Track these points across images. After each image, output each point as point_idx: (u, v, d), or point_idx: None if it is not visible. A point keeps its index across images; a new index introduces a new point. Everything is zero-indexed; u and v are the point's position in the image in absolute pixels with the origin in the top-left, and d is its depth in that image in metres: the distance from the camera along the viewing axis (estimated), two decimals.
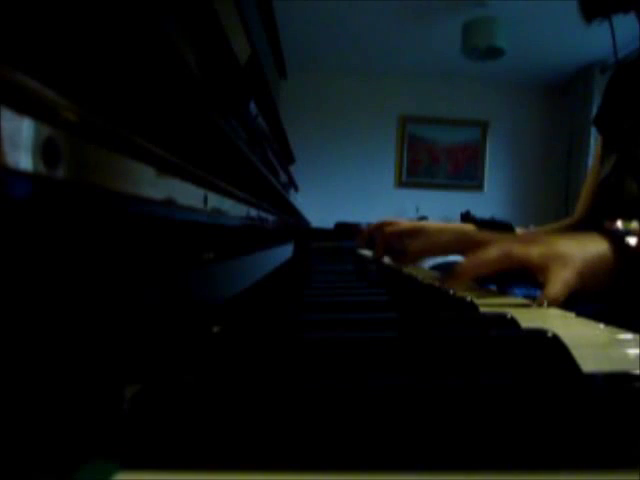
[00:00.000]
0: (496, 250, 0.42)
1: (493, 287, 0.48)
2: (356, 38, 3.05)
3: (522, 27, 2.73)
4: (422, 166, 3.75)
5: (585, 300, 0.42)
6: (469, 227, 0.77)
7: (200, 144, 0.30)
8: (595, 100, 3.27)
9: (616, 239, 0.42)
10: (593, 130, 3.33)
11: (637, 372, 0.16)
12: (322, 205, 3.45)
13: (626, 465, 0.12)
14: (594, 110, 3.29)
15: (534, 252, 0.42)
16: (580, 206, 0.82)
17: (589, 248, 0.42)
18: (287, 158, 1.12)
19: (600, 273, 0.42)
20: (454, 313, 0.32)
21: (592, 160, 0.82)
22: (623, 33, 0.73)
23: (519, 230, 0.78)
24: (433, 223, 0.78)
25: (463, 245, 0.48)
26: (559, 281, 0.40)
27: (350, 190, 3.68)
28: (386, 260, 0.85)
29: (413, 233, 0.74)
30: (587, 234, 0.45)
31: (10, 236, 0.12)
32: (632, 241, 0.41)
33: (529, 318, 0.33)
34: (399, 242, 0.77)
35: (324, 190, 3.59)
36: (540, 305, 0.39)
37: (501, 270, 0.43)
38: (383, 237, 0.79)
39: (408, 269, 0.69)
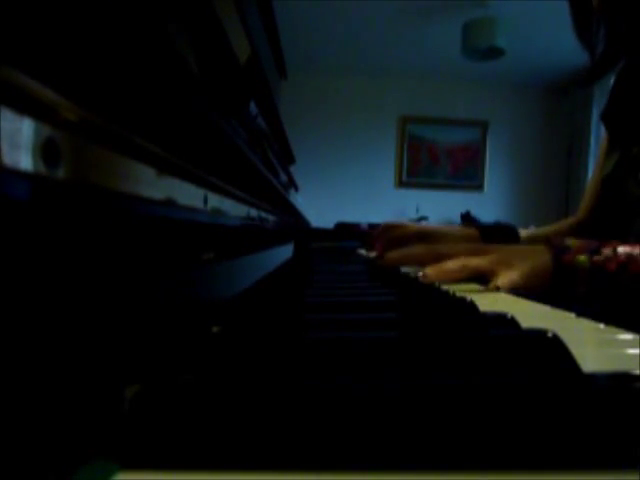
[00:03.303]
0: (455, 262, 0.53)
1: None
2: (356, 38, 3.05)
3: (522, 27, 2.73)
4: (422, 166, 3.76)
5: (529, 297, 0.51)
6: (472, 231, 0.80)
7: (200, 144, 0.30)
8: (595, 100, 3.27)
9: (555, 252, 0.52)
10: (593, 130, 3.33)
11: (637, 372, 0.16)
12: (322, 205, 3.45)
13: (626, 465, 0.12)
14: (594, 110, 3.29)
15: (485, 261, 0.52)
16: (584, 204, 0.82)
17: (533, 257, 0.52)
18: (287, 158, 1.12)
19: (541, 277, 0.51)
20: (454, 313, 0.32)
21: (597, 157, 0.82)
22: None
23: (523, 232, 0.79)
24: (438, 226, 0.88)
25: (432, 258, 0.58)
26: (507, 277, 0.50)
27: (350, 190, 3.68)
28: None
29: (418, 239, 0.78)
30: (535, 246, 0.55)
31: (10, 236, 0.12)
32: (566, 256, 0.51)
33: (524, 316, 0.33)
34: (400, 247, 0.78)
35: (324, 190, 3.60)
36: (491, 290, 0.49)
37: (460, 278, 0.52)
38: (387, 240, 0.81)
39: (407, 269, 0.70)
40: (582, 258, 0.49)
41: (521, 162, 3.76)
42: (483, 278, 0.52)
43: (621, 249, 0.49)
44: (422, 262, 0.59)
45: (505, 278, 0.50)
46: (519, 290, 0.49)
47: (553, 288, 0.51)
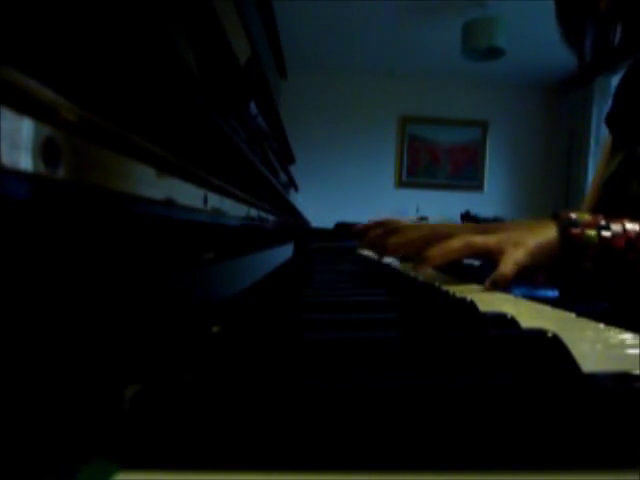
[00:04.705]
0: (459, 240, 0.51)
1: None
2: (356, 38, 3.05)
3: (522, 27, 2.73)
4: (422, 166, 3.75)
5: (537, 277, 0.52)
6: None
7: (200, 144, 0.30)
8: (595, 100, 3.27)
9: (562, 225, 0.50)
10: (593, 130, 3.33)
11: (637, 372, 0.16)
12: (322, 205, 3.44)
13: (626, 465, 0.12)
14: (594, 110, 3.29)
15: (491, 239, 0.50)
16: (585, 205, 0.82)
17: (539, 232, 0.51)
18: (287, 158, 1.12)
19: (547, 253, 0.50)
20: (454, 312, 0.32)
21: (599, 159, 0.82)
22: None
23: None
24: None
25: (434, 239, 0.56)
26: (511, 261, 0.48)
27: (350, 190, 3.68)
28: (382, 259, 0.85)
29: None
30: (541, 221, 0.53)
31: (10, 237, 0.12)
32: (574, 230, 0.49)
33: (526, 317, 0.33)
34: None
35: (324, 190, 3.59)
36: (493, 282, 0.47)
37: (465, 257, 0.51)
38: (387, 232, 0.80)
39: (406, 267, 0.70)
40: (591, 233, 0.48)
41: (521, 162, 3.76)
42: (488, 258, 0.51)
43: (630, 226, 0.48)
44: (424, 245, 0.57)
45: (511, 257, 0.48)
46: (526, 267, 0.49)
47: (559, 263, 0.50)
